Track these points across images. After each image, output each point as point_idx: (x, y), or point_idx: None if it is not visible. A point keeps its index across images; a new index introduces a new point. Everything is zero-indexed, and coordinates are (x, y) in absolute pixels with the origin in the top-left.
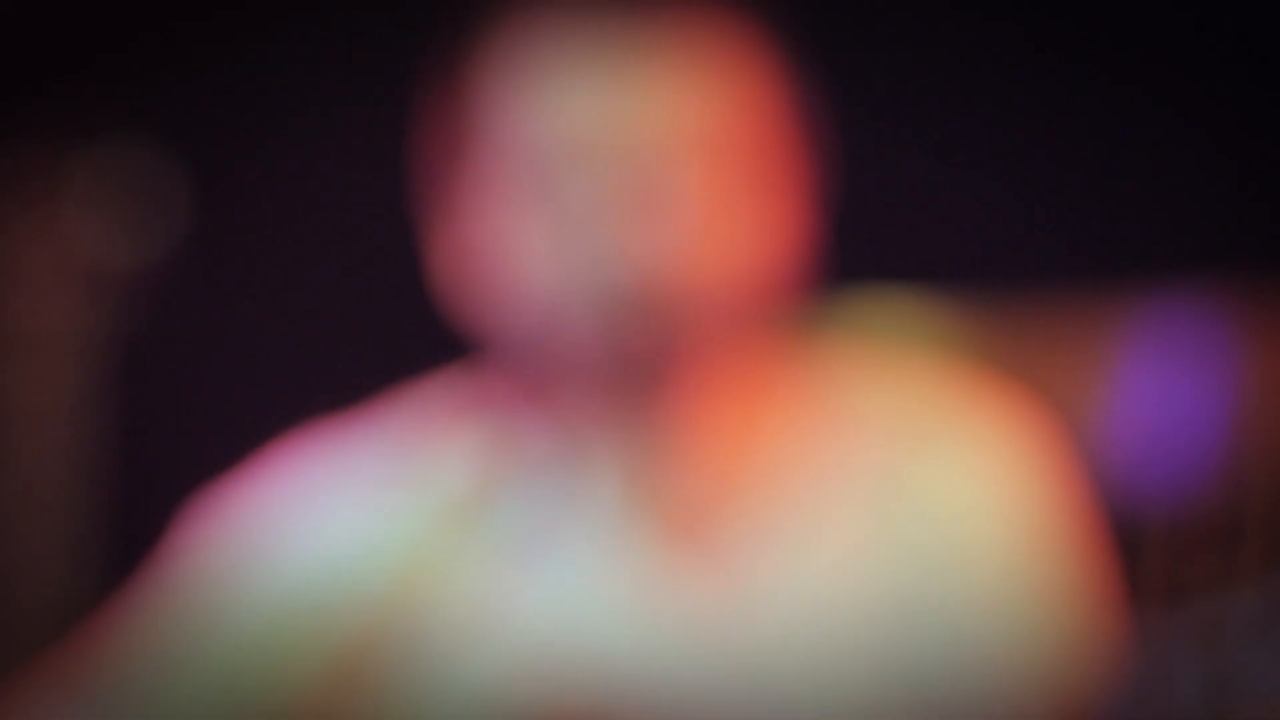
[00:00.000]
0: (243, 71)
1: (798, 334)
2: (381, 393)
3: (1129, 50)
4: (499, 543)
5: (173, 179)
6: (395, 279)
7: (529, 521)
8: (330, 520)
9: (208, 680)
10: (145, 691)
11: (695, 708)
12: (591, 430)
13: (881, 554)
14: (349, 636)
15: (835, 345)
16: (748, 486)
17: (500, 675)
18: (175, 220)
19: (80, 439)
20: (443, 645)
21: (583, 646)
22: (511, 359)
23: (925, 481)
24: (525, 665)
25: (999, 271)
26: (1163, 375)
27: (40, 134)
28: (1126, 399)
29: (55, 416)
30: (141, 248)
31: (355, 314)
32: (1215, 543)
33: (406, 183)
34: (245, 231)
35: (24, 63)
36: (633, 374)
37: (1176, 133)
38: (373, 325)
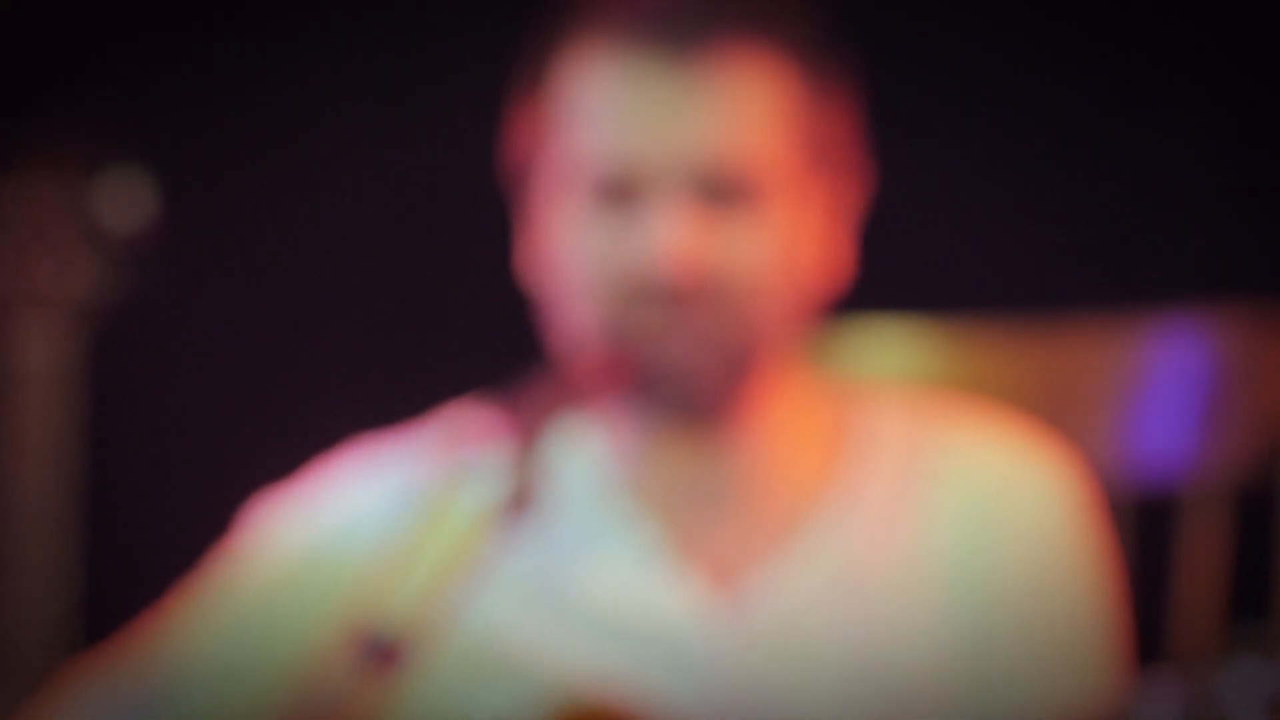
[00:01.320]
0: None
1: (818, 358)
2: (416, 409)
3: (1135, 71)
4: (530, 557)
5: (217, 185)
6: (426, 295)
7: (563, 539)
8: (359, 528)
9: (242, 673)
10: (185, 683)
11: None
12: (642, 448)
13: (920, 582)
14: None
15: (847, 371)
16: (790, 505)
17: (522, 690)
18: (206, 231)
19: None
20: (468, 659)
21: (607, 663)
22: (569, 369)
23: (956, 515)
24: (547, 678)
25: (998, 299)
26: (1169, 398)
27: (51, 133)
28: (1133, 420)
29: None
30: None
31: (374, 322)
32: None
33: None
34: (274, 235)
35: (28, 63)
36: (688, 394)
37: (1182, 155)
38: (386, 335)
